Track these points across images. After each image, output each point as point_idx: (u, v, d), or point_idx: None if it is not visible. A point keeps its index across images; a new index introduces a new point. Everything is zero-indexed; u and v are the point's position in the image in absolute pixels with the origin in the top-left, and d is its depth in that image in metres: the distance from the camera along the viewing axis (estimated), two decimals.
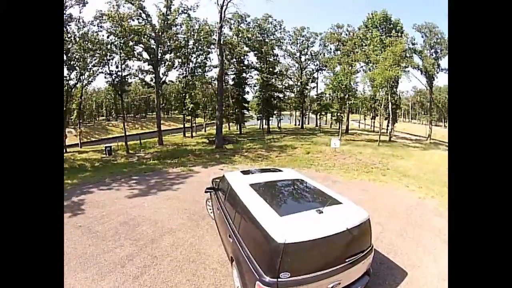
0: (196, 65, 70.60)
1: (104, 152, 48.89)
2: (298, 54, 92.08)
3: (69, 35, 50.35)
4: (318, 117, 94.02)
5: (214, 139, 54.08)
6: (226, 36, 69.81)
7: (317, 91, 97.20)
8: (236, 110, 79.17)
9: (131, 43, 53.18)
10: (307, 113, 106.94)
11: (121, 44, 51.61)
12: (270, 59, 78.76)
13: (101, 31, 51.65)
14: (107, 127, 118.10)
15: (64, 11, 49.32)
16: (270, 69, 77.58)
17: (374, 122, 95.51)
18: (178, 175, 28.85)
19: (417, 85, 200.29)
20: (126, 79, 53.98)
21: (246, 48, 75.79)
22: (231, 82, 79.22)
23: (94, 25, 51.43)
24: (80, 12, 52.37)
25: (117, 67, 52.38)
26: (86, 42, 50.19)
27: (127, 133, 52.39)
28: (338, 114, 63.59)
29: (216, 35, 56.86)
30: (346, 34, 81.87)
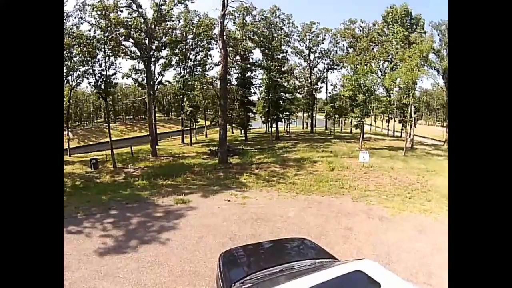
0: (195, 63, 66.00)
1: (90, 165, 42.87)
2: (307, 51, 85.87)
3: None
4: (333, 120, 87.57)
5: (216, 150, 46.87)
6: (229, 31, 65.23)
7: (326, 92, 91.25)
8: (241, 114, 73.00)
9: (119, 38, 48.42)
10: (315, 116, 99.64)
11: (106, 39, 46.28)
12: (278, 56, 72.76)
13: (82, 23, 46.47)
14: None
15: None
16: (278, 67, 71.16)
17: (388, 125, 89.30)
18: (169, 211, 22.75)
19: (422, 85, 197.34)
20: (111, 80, 47.77)
21: (251, 44, 70.30)
22: (234, 82, 73.96)
23: (75, 18, 46.08)
24: (64, 5, 45.35)
25: (100, 65, 46.53)
26: (70, 38, 44.59)
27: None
28: (360, 119, 56.56)
29: (217, 28, 50.62)
30: (360, 30, 77.64)
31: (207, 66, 67.38)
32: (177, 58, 62.69)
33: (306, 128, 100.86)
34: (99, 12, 44.73)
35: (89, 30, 46.15)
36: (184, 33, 60.08)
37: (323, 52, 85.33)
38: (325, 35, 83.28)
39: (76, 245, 17.05)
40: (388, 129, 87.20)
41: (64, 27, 44.64)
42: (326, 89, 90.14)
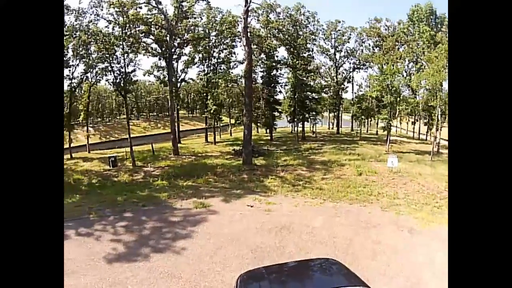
0: (219, 60, 64.40)
1: (108, 163, 42.54)
2: (332, 50, 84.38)
3: (66, 28, 45.18)
4: (360, 122, 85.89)
5: (240, 150, 45.24)
6: (253, 28, 63.70)
7: (353, 92, 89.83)
8: (266, 113, 71.92)
9: (139, 34, 48.12)
10: (341, 116, 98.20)
11: (124, 35, 45.65)
12: (304, 55, 71.16)
13: (98, 20, 46.26)
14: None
15: None
16: (304, 66, 69.29)
17: (414, 127, 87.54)
18: (187, 215, 21.83)
19: (446, 87, 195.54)
20: (130, 77, 47.26)
21: (276, 42, 68.96)
22: (259, 81, 72.72)
23: (91, 14, 46.04)
24: (79, 3, 45.59)
25: (118, 62, 46.13)
26: (87, 35, 45.09)
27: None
28: (387, 121, 54.76)
29: (241, 25, 49.19)
30: (385, 29, 76.46)
31: (231, 64, 65.62)
32: (200, 55, 61.85)
33: (332, 128, 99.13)
34: (116, 9, 44.20)
35: (106, 27, 45.98)
36: (207, 30, 59.21)
37: (349, 51, 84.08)
38: (350, 34, 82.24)
39: (85, 249, 16.55)
40: (414, 131, 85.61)
41: (80, 24, 45.58)
42: (352, 89, 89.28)
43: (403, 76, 63.14)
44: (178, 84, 62.75)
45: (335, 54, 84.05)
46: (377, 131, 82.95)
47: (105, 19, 45.40)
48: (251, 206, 22.93)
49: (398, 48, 67.92)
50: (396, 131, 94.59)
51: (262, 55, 69.26)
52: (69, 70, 50.59)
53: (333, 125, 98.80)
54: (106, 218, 21.31)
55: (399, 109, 55.60)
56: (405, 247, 16.52)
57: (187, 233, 18.31)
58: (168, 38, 51.36)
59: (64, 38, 44.80)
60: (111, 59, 45.19)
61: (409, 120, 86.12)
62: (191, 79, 69.13)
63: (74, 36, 45.47)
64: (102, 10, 45.09)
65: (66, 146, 52.13)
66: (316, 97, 73.45)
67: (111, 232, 18.99)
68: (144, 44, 50.52)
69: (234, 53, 65.51)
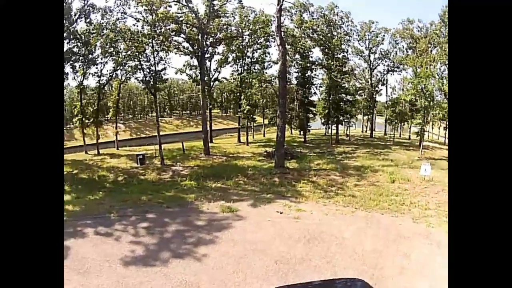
0: (253, 60, 64.11)
1: (136, 160, 42.51)
2: (366, 52, 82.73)
3: (92, 27, 46.98)
4: (393, 126, 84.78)
5: (273, 152, 44.74)
6: (287, 28, 63.13)
7: (386, 95, 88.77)
8: (301, 114, 70.82)
9: (169, 33, 48.73)
10: (375, 119, 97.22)
11: (153, 33, 46.27)
12: (339, 56, 70.14)
13: (125, 18, 47.23)
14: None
15: (86, 1, 46.61)
16: (339, 67, 68.46)
17: (445, 133, 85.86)
18: (212, 219, 21.62)
19: None
20: (161, 75, 47.77)
21: (310, 42, 68.11)
22: (294, 82, 72.00)
23: (118, 13, 47.12)
24: (106, 2, 46.06)
25: (148, 60, 46.68)
26: (115, 33, 45.90)
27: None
28: (421, 126, 53.47)
29: (274, 24, 48.48)
30: (418, 30, 74.91)
31: (266, 64, 65.67)
32: (233, 55, 61.72)
33: (366, 131, 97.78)
34: (144, 7, 44.61)
35: (134, 25, 46.49)
36: (240, 30, 58.91)
37: (383, 53, 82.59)
38: (384, 35, 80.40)
39: (101, 249, 16.62)
40: (445, 137, 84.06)
41: (107, 22, 46.70)
42: (386, 92, 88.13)
43: (435, 79, 62.13)
44: (211, 83, 62.96)
45: (369, 56, 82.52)
46: (409, 135, 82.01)
47: (132, 17, 45.89)
48: (280, 213, 22.23)
49: (431, 50, 66.82)
50: (428, 136, 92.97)
51: (297, 56, 68.07)
52: (97, 68, 52.16)
53: (366, 128, 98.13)
54: (128, 218, 21.10)
55: (432, 114, 54.38)
56: (433, 263, 15.77)
57: (210, 238, 17.80)
58: (199, 37, 50.88)
59: (91, 36, 46.29)
60: (140, 57, 45.56)
61: (440, 125, 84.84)
62: (224, 78, 68.86)
63: (101, 34, 46.04)
64: (129, 8, 45.68)
65: (93, 142, 52.50)
66: (351, 99, 72.28)
67: (131, 233, 18.79)
68: (175, 43, 50.61)
69: (268, 53, 65.17)
